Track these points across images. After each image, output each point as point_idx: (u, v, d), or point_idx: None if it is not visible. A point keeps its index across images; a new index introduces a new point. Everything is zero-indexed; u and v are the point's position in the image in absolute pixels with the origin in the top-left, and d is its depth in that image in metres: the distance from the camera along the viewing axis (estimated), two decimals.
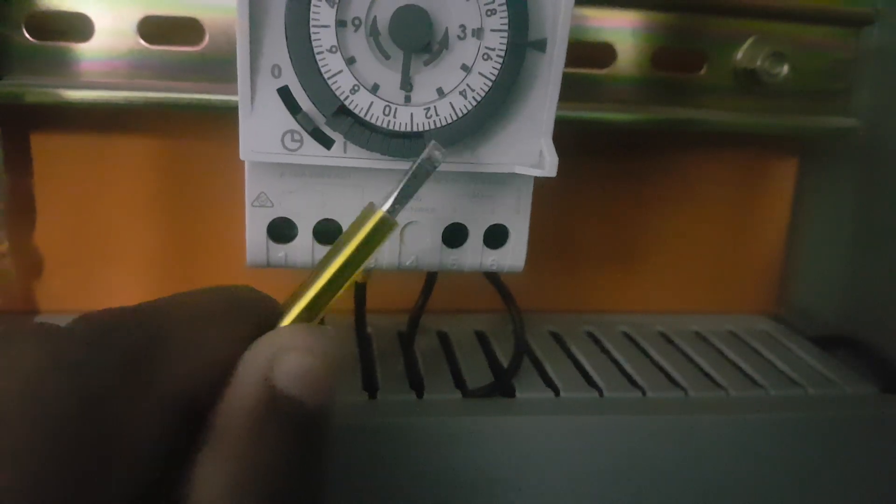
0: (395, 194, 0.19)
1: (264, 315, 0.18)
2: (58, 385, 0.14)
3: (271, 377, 0.16)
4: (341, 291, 0.19)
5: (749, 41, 0.34)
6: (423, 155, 0.20)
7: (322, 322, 0.19)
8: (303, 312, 0.18)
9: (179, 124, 0.33)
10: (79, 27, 0.29)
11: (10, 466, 0.12)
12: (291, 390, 0.16)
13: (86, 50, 0.29)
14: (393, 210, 0.19)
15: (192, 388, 0.15)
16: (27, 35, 0.29)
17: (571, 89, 0.27)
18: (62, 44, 0.29)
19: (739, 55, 0.34)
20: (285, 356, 0.16)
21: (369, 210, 0.19)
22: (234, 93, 0.21)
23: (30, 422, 0.13)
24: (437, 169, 0.20)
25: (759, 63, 0.34)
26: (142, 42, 0.29)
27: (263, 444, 0.15)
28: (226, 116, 0.24)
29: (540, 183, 0.25)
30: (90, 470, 0.13)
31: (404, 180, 0.19)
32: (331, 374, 0.16)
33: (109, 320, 0.15)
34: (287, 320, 0.18)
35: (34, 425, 0.13)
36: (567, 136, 0.24)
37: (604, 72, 0.33)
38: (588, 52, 0.33)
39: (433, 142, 0.20)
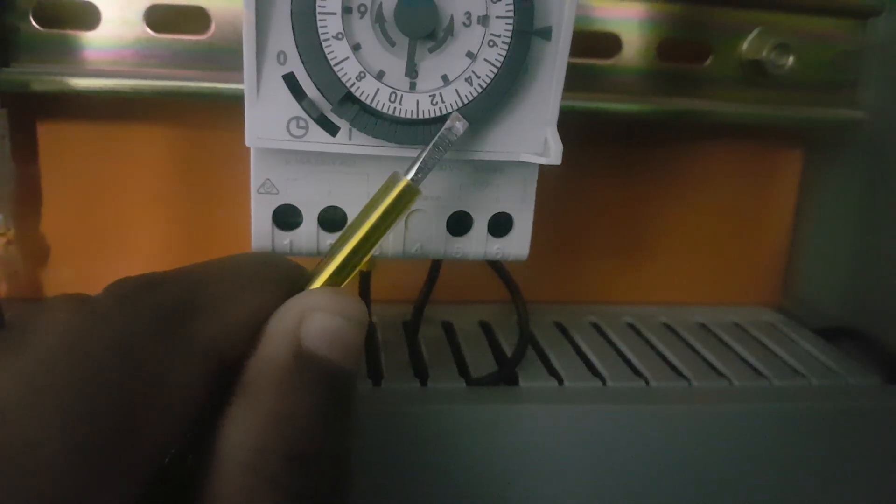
0: (418, 164, 0.20)
1: (293, 279, 0.18)
2: (92, 337, 0.14)
3: (300, 336, 0.16)
4: (367, 257, 0.20)
5: (755, 32, 0.34)
6: (446, 124, 0.20)
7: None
8: (330, 278, 0.19)
9: (186, 113, 0.33)
10: (86, 15, 0.29)
11: (48, 419, 0.13)
12: (319, 349, 0.16)
13: (93, 38, 0.29)
14: (416, 179, 0.20)
15: (224, 344, 0.16)
16: (34, 23, 0.29)
17: (576, 79, 0.27)
18: (69, 32, 0.29)
19: (745, 46, 0.34)
20: (313, 316, 0.16)
21: (393, 178, 0.20)
22: (241, 81, 0.21)
23: (65, 374, 0.13)
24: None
25: (764, 54, 0.34)
26: (148, 30, 0.29)
27: (290, 400, 0.16)
28: (232, 105, 0.24)
29: (544, 173, 0.25)
30: (126, 421, 0.14)
31: (426, 150, 0.20)
32: (357, 336, 0.17)
33: (142, 280, 0.16)
34: (315, 284, 0.19)
35: (69, 377, 0.13)
36: (572, 126, 0.24)
37: (609, 62, 0.33)
38: (593, 42, 0.33)
39: (455, 112, 0.21)
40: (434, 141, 0.20)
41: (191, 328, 0.15)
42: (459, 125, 0.20)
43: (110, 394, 0.13)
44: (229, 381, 0.16)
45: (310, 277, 0.19)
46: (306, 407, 0.16)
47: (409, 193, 0.20)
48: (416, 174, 0.20)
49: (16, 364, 0.13)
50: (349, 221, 0.24)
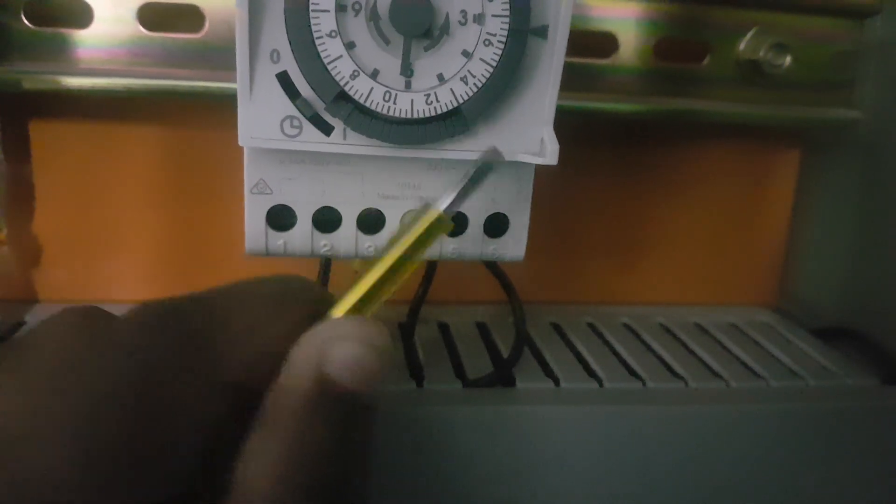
0: (455, 196, 0.19)
1: (317, 306, 0.18)
2: (108, 364, 0.14)
3: (323, 365, 0.16)
4: (395, 287, 0.19)
5: (752, 32, 0.34)
6: (483, 157, 0.20)
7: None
8: (355, 305, 0.18)
9: (179, 112, 0.33)
10: (78, 13, 0.29)
11: (60, 445, 0.12)
12: (342, 379, 0.16)
13: (85, 37, 0.29)
14: (448, 211, 0.19)
15: (246, 373, 0.16)
16: (26, 21, 0.29)
17: (573, 79, 0.27)
18: (61, 30, 0.29)
19: (742, 46, 0.34)
20: (337, 345, 0.16)
21: (425, 209, 0.19)
22: (235, 80, 0.21)
23: (80, 403, 0.13)
24: (433, 162, 0.20)
25: (761, 54, 0.34)
26: (141, 29, 0.29)
27: (313, 429, 0.15)
28: (226, 104, 0.24)
29: (541, 174, 0.25)
30: (143, 450, 0.13)
31: (463, 182, 0.19)
32: (380, 365, 0.16)
33: (165, 306, 0.15)
34: (339, 312, 0.18)
35: (85, 407, 0.13)
36: (568, 126, 0.24)
37: (606, 62, 0.33)
38: (590, 42, 0.33)
39: (493, 146, 0.20)
40: (471, 175, 0.19)
41: (212, 358, 0.15)
42: (498, 156, 0.20)
43: (124, 424, 0.13)
44: (250, 410, 0.16)
45: (333, 303, 0.19)
46: (328, 437, 0.16)
47: (439, 225, 0.19)
48: (449, 206, 0.19)
49: (25, 391, 0.13)
50: (343, 222, 0.24)
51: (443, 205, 0.19)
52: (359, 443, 0.16)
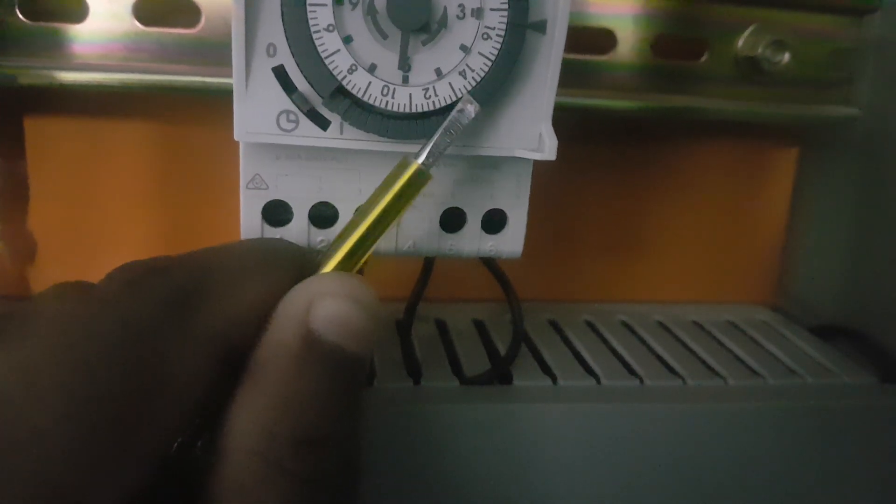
0: (429, 147, 0.20)
1: (301, 264, 0.18)
2: (97, 322, 0.14)
3: (308, 321, 0.16)
4: (375, 245, 0.19)
5: (750, 29, 0.34)
6: (457, 107, 0.20)
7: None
8: (339, 264, 0.19)
9: (176, 108, 0.33)
10: (73, 8, 0.28)
11: (53, 406, 0.12)
12: (328, 335, 0.16)
13: (80, 31, 0.29)
14: (426, 164, 0.20)
15: (232, 330, 0.16)
16: (20, 16, 0.28)
17: (571, 75, 0.27)
18: (56, 25, 0.29)
19: (740, 43, 0.34)
20: (322, 301, 0.16)
21: (404, 163, 0.20)
22: (231, 76, 0.21)
23: (69, 360, 0.13)
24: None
25: (760, 51, 0.33)
26: (137, 24, 0.29)
27: (299, 385, 0.15)
28: (222, 100, 0.24)
29: (538, 171, 0.25)
30: (133, 407, 0.13)
31: (437, 133, 0.20)
32: (368, 322, 0.17)
33: (149, 265, 0.16)
34: (324, 270, 0.18)
35: (74, 363, 0.13)
36: (565, 123, 0.24)
37: (604, 58, 0.33)
38: (588, 38, 0.33)
39: (466, 94, 0.20)
40: (445, 124, 0.20)
41: (199, 314, 0.15)
42: (471, 108, 0.20)
43: (117, 380, 0.13)
44: (237, 367, 0.16)
45: (318, 263, 0.19)
46: (314, 392, 0.16)
47: (419, 178, 0.20)
48: (426, 158, 0.20)
49: (18, 351, 0.13)
50: (340, 217, 0.24)
51: (420, 157, 0.20)
52: (348, 399, 0.16)
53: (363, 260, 0.19)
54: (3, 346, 0.13)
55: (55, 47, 0.29)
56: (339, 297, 0.16)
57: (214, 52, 0.29)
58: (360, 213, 0.20)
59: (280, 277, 0.17)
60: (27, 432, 0.12)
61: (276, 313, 0.16)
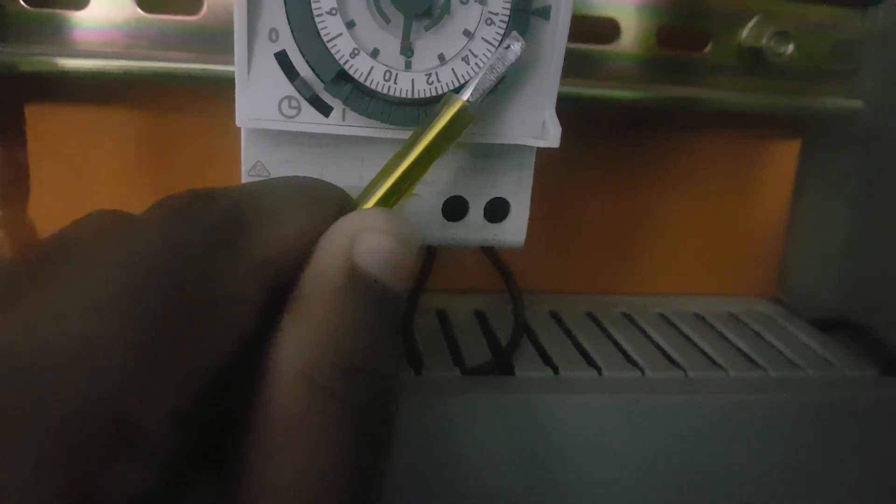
0: (475, 84, 0.19)
1: (343, 199, 0.18)
2: (146, 245, 0.14)
3: (352, 254, 0.16)
4: (418, 181, 0.19)
5: (754, 20, 0.34)
6: (503, 44, 0.20)
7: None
8: (380, 200, 0.19)
9: (177, 95, 0.33)
10: None
11: (105, 317, 0.12)
12: (371, 268, 0.16)
13: (82, 18, 0.29)
14: (471, 102, 0.19)
15: (277, 258, 0.16)
16: (22, 2, 0.28)
17: (574, 65, 0.27)
18: (58, 12, 0.28)
19: (745, 34, 0.34)
20: (366, 235, 0.16)
21: (448, 99, 0.19)
22: (233, 63, 0.21)
23: (120, 277, 0.13)
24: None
25: (764, 42, 0.33)
26: (139, 10, 0.29)
27: (343, 316, 0.16)
28: (224, 88, 0.24)
29: (541, 162, 0.24)
30: (184, 326, 0.13)
31: (483, 70, 0.19)
32: (407, 258, 0.17)
33: (193, 194, 0.16)
34: (368, 205, 0.18)
35: (125, 280, 0.13)
36: (568, 113, 0.24)
37: (607, 48, 0.33)
38: (592, 28, 0.32)
39: (513, 32, 0.20)
40: (490, 62, 0.20)
41: (246, 238, 0.15)
42: (518, 45, 0.20)
43: (168, 298, 0.13)
44: (281, 297, 0.16)
45: (357, 200, 0.19)
46: (358, 324, 0.16)
47: (463, 116, 0.19)
48: (471, 95, 0.19)
49: (70, 270, 0.13)
50: None
51: (465, 94, 0.19)
52: (387, 334, 0.16)
53: (401, 200, 0.19)
54: (53, 269, 0.13)
55: (56, 34, 0.29)
56: (383, 233, 0.16)
57: (216, 39, 0.29)
58: (402, 151, 0.19)
59: (323, 210, 0.17)
60: (79, 339, 0.12)
61: (319, 246, 0.16)
